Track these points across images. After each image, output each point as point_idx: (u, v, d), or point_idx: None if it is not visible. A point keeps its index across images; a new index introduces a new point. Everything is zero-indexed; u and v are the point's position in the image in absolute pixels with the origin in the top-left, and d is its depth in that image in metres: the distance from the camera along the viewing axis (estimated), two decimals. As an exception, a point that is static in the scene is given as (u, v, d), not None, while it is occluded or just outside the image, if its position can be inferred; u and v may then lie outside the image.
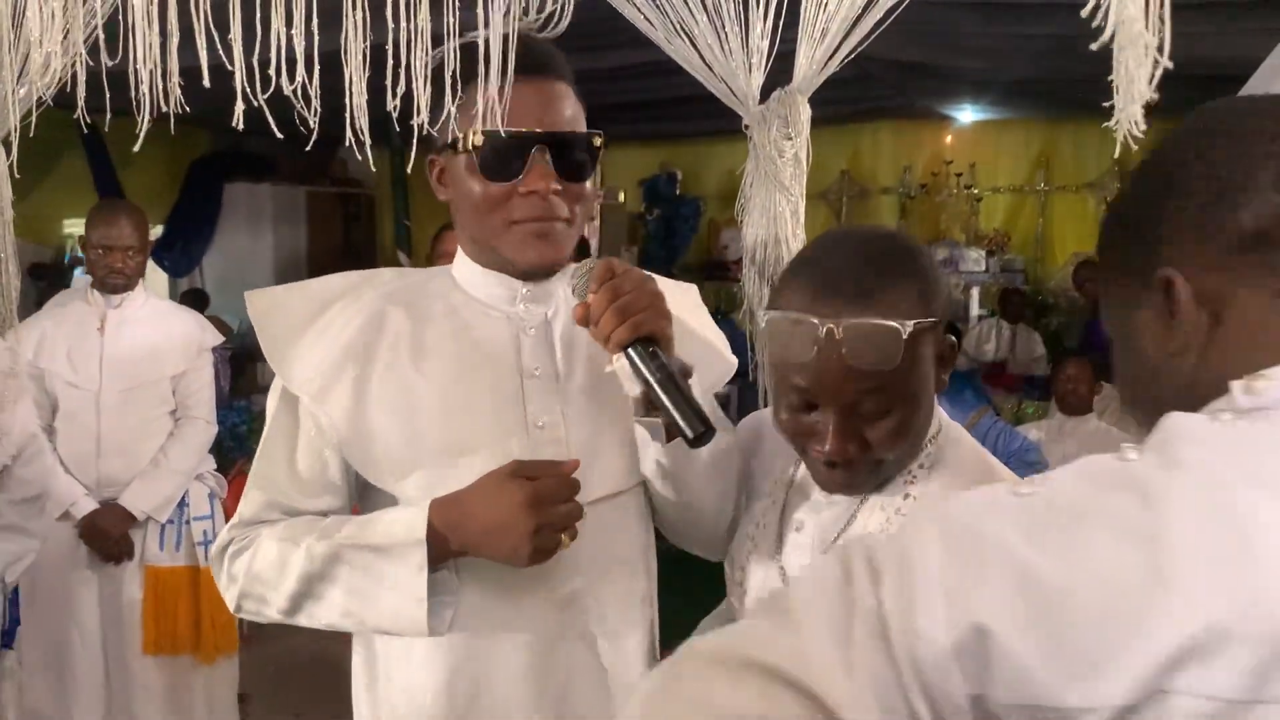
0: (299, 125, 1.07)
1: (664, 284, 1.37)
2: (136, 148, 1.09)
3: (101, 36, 1.18)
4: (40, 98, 1.78)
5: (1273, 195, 0.74)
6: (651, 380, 1.23)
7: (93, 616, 3.32)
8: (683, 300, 1.49)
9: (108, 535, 3.25)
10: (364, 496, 1.42)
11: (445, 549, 1.29)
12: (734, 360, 1.55)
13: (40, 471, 2.81)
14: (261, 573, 1.35)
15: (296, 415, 1.38)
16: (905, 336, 1.12)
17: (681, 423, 1.22)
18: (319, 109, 1.04)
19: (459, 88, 1.23)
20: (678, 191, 8.97)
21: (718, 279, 8.41)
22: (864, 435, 1.20)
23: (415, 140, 1.25)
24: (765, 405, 2.53)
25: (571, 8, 1.47)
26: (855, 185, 8.38)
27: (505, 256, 1.37)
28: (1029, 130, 7.99)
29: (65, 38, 1.54)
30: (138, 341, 3.28)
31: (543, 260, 1.36)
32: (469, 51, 1.23)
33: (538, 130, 1.30)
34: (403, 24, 1.09)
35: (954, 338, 1.25)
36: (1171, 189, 0.79)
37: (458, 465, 1.32)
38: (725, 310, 8.36)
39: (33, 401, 2.88)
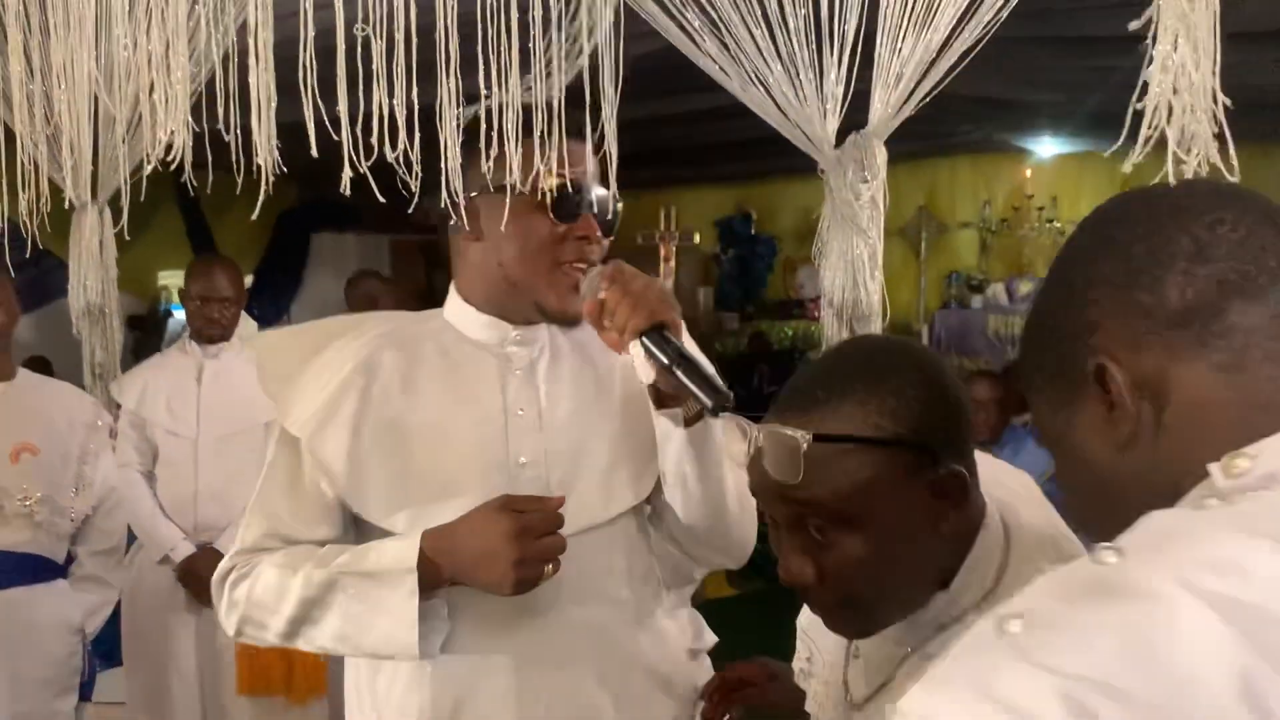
0: (400, 190, 1.13)
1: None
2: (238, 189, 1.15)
3: (220, 100, 1.25)
4: (147, 162, 1.87)
5: (1193, 268, 0.73)
6: (668, 359, 1.29)
7: (190, 658, 3.41)
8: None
9: (204, 578, 3.34)
10: (358, 528, 1.49)
11: (436, 577, 1.36)
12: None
13: (120, 523, 2.92)
14: (262, 598, 1.43)
15: (296, 450, 1.46)
16: (802, 449, 0.99)
17: (699, 392, 1.28)
18: (419, 172, 1.09)
19: (543, 142, 1.29)
20: (753, 231, 9.00)
21: (795, 317, 8.40)
22: (820, 563, 1.05)
23: (507, 189, 1.31)
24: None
25: (631, 59, 1.51)
26: (934, 221, 8.33)
27: (549, 300, 1.44)
28: (1112, 162, 7.87)
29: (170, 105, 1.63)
30: (233, 390, 3.39)
31: (570, 307, 1.44)
32: (529, 109, 1.31)
33: (591, 184, 1.42)
34: (495, 89, 1.14)
35: (960, 469, 1.04)
36: (1091, 280, 0.78)
37: (442, 501, 1.40)
38: (802, 349, 8.35)
39: (115, 455, 2.98)
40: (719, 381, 1.29)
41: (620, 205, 1.47)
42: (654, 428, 1.44)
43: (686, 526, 1.49)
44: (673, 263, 8.40)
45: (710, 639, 2.35)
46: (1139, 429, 0.75)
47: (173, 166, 1.12)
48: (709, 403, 1.28)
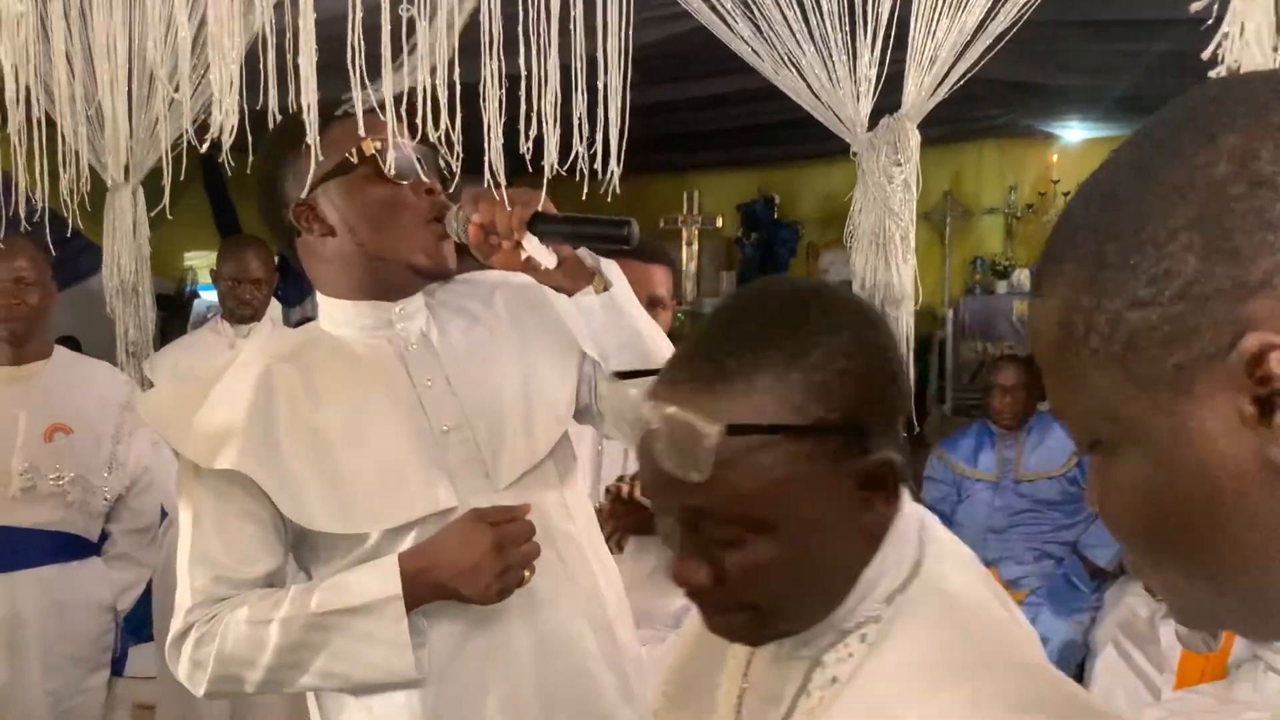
0: (442, 168, 1.14)
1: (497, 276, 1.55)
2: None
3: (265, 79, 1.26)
4: (186, 141, 1.88)
5: None
6: (562, 228, 1.37)
7: (220, 634, 3.45)
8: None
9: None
10: (301, 546, 1.47)
11: (417, 596, 1.39)
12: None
13: (154, 502, 2.95)
14: (234, 654, 1.39)
15: (215, 491, 1.43)
16: (712, 443, 0.82)
17: (609, 230, 1.36)
18: (460, 152, 1.10)
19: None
20: (775, 215, 8.97)
21: (818, 303, 8.34)
22: (720, 565, 0.87)
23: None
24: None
25: (651, 44, 1.51)
26: (959, 206, 8.28)
27: (419, 260, 1.45)
28: (1139, 147, 7.80)
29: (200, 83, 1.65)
30: (263, 369, 3.42)
31: (446, 261, 1.47)
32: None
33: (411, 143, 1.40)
34: (534, 68, 1.15)
35: (895, 457, 0.87)
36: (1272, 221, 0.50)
37: (382, 489, 1.41)
38: (826, 334, 8.31)
39: (149, 434, 3.01)
40: (614, 217, 1.35)
41: (449, 154, 1.41)
42: (559, 347, 1.51)
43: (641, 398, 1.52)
44: (695, 247, 8.39)
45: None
46: None
47: (212, 144, 1.13)
48: (621, 233, 1.34)
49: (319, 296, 1.51)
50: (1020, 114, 7.03)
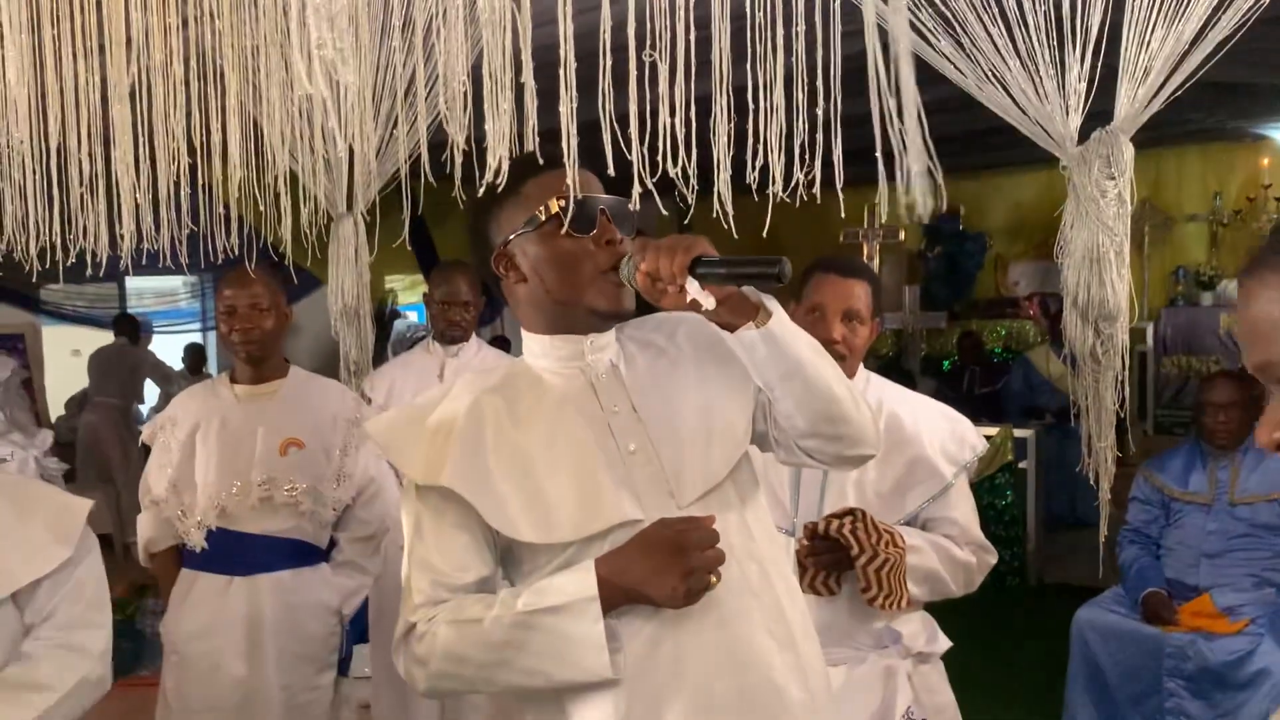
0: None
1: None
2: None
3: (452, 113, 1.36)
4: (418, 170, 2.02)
5: None
6: (720, 269, 1.44)
7: (431, 638, 3.63)
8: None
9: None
10: (507, 557, 1.61)
11: (613, 598, 1.48)
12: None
13: (379, 513, 3.13)
14: (449, 651, 1.53)
15: (432, 506, 1.57)
16: None
17: (763, 269, 1.42)
18: (694, 185, 1.17)
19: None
20: (960, 227, 8.77)
21: (1008, 316, 8.12)
22: None
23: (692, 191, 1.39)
24: (1075, 446, 2.47)
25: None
26: (1159, 214, 7.91)
27: (598, 304, 1.57)
28: (1361, 146, 7.28)
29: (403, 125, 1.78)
30: (471, 386, 3.59)
31: (622, 305, 1.58)
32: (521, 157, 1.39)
33: (594, 196, 1.55)
34: (762, 102, 1.20)
35: None
36: None
37: (578, 500, 1.53)
38: (1016, 349, 8.07)
39: (374, 447, 3.19)
40: (769, 258, 1.41)
41: (630, 204, 1.52)
42: (734, 375, 1.59)
43: (807, 427, 1.59)
44: (876, 261, 8.29)
45: (944, 643, 2.34)
46: None
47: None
48: (773, 271, 1.41)
49: (522, 331, 1.68)
50: (1226, 116, 6.68)
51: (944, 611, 2.31)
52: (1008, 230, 8.54)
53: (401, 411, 1.73)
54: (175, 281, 9.02)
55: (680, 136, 1.11)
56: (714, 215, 1.37)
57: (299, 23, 0.95)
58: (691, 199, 1.18)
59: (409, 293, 9.17)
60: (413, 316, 9.15)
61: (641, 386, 1.63)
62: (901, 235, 8.44)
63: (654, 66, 1.10)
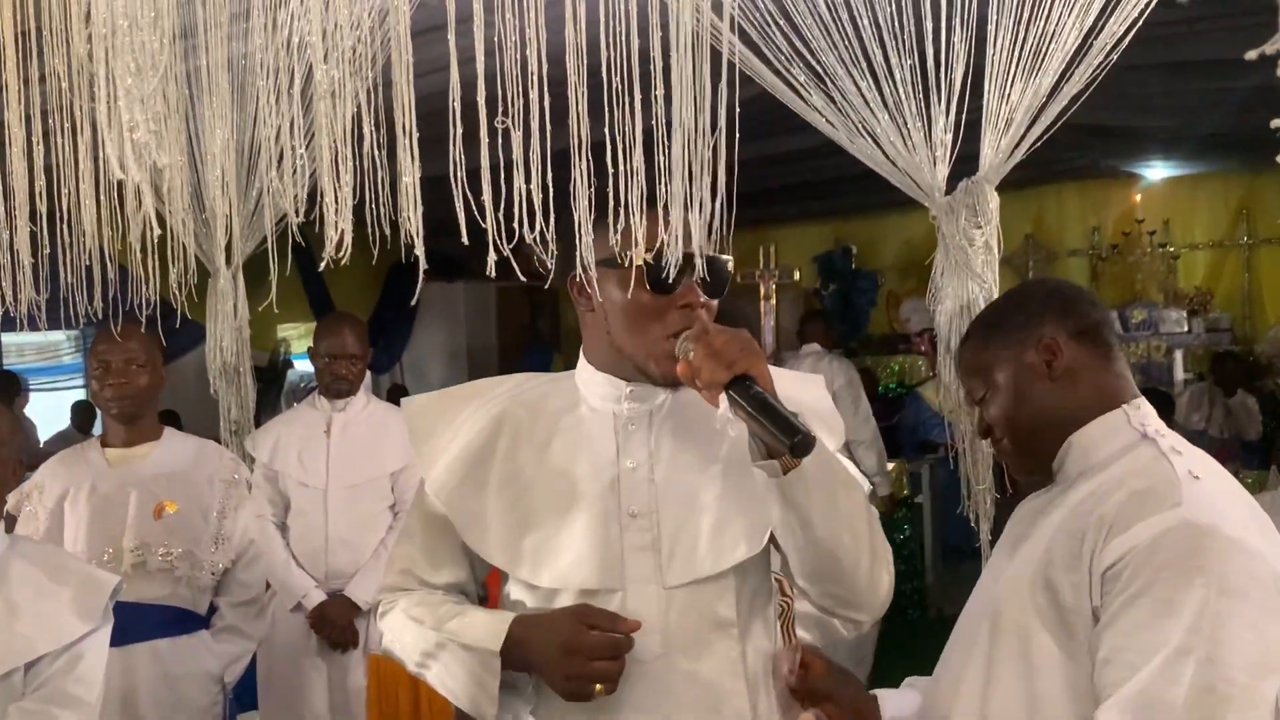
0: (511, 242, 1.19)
1: (786, 376, 1.54)
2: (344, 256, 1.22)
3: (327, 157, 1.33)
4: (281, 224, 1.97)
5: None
6: (747, 406, 1.34)
7: (323, 701, 3.53)
8: (803, 392, 1.59)
9: (335, 624, 3.47)
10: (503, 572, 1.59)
11: (516, 662, 1.48)
12: (841, 434, 1.64)
13: (259, 575, 3.04)
14: (395, 638, 1.62)
15: (429, 502, 1.61)
16: None
17: (778, 433, 1.32)
18: (554, 250, 1.16)
19: (641, 215, 1.33)
20: (853, 265, 8.95)
21: (901, 352, 8.29)
22: None
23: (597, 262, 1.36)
24: (957, 479, 2.51)
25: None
26: (1041, 249, 8.19)
27: (650, 367, 1.50)
28: (1226, 183, 7.65)
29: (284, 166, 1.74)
30: (360, 441, 3.52)
31: (675, 374, 1.46)
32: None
33: (693, 254, 1.41)
34: (621, 165, 1.20)
35: None
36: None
37: (555, 549, 1.51)
38: (909, 384, 8.24)
39: (253, 508, 3.10)
40: (799, 423, 1.33)
41: (730, 264, 1.51)
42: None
43: (804, 574, 1.51)
44: (773, 300, 8.40)
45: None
46: None
47: (307, 219, 1.20)
48: (785, 440, 1.32)
49: (581, 351, 1.62)
50: (1101, 155, 6.96)
51: (847, 645, 2.31)
52: (899, 267, 8.75)
53: (442, 398, 1.68)
54: (57, 335, 8.68)
55: (538, 202, 1.10)
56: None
57: (108, 104, 0.91)
58: (551, 262, 1.16)
59: (302, 341, 8.99)
60: (306, 365, 8.97)
61: (668, 448, 1.55)
62: (796, 275, 8.59)
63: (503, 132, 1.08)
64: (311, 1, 1.17)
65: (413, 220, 1.01)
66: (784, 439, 1.32)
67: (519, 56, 1.15)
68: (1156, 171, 7.60)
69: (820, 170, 6.06)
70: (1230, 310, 7.67)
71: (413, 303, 8.35)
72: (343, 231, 1.01)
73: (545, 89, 1.15)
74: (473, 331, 8.64)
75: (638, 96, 1.23)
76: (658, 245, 1.36)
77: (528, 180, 1.10)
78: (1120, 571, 1.31)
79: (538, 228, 1.10)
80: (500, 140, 1.09)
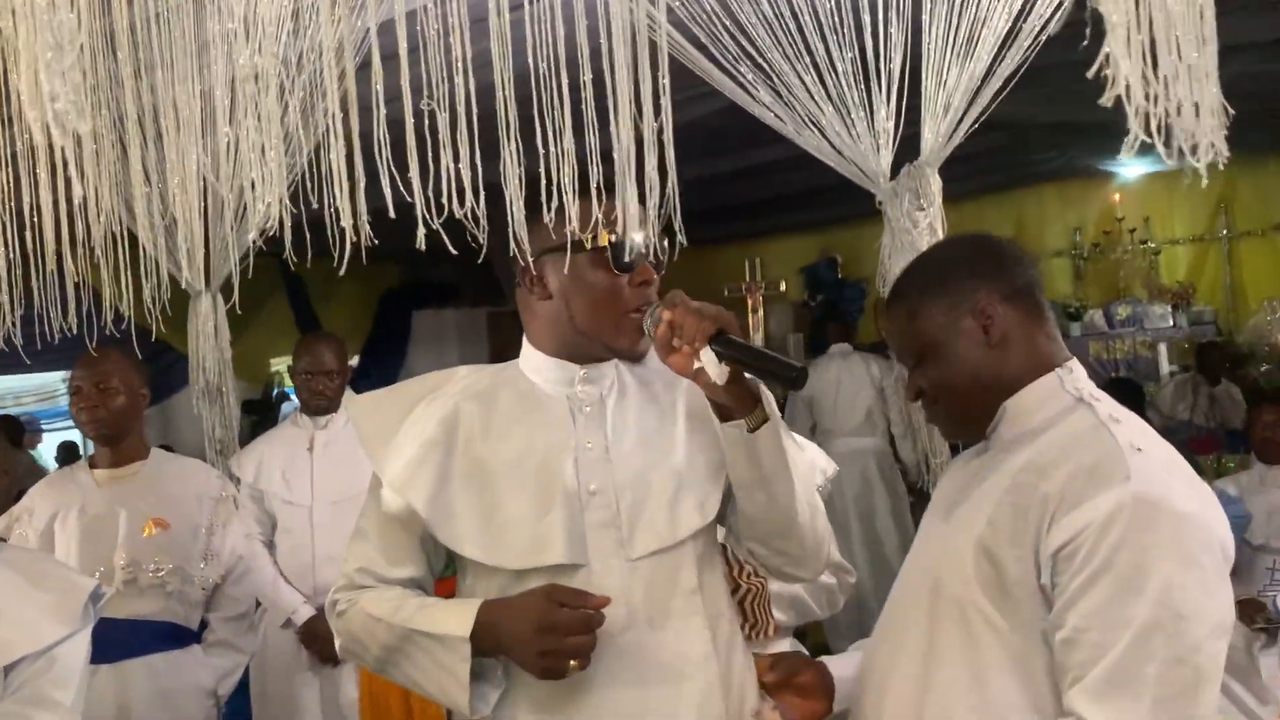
0: (473, 246, 1.25)
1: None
2: (341, 271, 1.28)
3: (307, 184, 1.40)
4: (254, 245, 2.03)
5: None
6: (738, 352, 1.42)
7: (316, 715, 3.56)
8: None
9: (325, 639, 3.50)
10: (459, 558, 1.62)
11: (486, 646, 1.50)
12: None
13: (249, 590, 3.08)
14: (357, 635, 1.61)
15: (385, 498, 1.61)
16: None
17: (775, 369, 1.41)
18: (486, 228, 1.22)
19: (600, 199, 1.41)
20: (839, 275, 9.02)
21: (890, 358, 8.31)
22: None
23: (568, 246, 1.43)
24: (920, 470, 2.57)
25: (702, 118, 1.62)
26: (1023, 251, 8.24)
27: (620, 343, 1.57)
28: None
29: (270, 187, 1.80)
30: (343, 458, 3.57)
31: (641, 348, 1.58)
32: (584, 167, 1.44)
33: (648, 234, 1.54)
34: (551, 148, 1.27)
35: None
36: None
37: (521, 532, 1.54)
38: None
39: (241, 525, 3.15)
40: (790, 359, 1.42)
41: (667, 243, 1.58)
42: (718, 451, 1.56)
43: (760, 534, 1.59)
44: (761, 313, 8.47)
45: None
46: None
47: (271, 232, 1.26)
48: (791, 375, 1.40)
49: (524, 340, 1.67)
50: (1077, 154, 7.02)
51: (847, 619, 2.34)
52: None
53: (384, 397, 1.70)
54: (52, 376, 8.74)
55: (467, 180, 1.17)
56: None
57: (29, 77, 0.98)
58: (484, 239, 1.23)
59: (297, 373, 9.02)
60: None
61: (622, 427, 1.62)
62: (783, 286, 8.67)
63: (434, 116, 1.15)
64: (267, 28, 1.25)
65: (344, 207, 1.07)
66: (783, 372, 1.41)
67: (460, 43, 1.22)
68: (1132, 169, 7.67)
69: (802, 181, 6.12)
70: (1214, 303, 7.72)
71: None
72: (271, 206, 1.07)
73: (470, 73, 1.22)
74: (464, 356, 8.70)
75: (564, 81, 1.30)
76: (611, 231, 1.45)
77: (456, 160, 1.16)
78: (1075, 551, 1.30)
79: (467, 204, 1.16)
80: (427, 121, 1.16)
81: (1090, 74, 0.97)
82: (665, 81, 1.35)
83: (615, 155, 1.30)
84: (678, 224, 1.46)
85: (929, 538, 1.56)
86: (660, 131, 1.38)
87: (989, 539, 1.38)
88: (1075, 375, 1.49)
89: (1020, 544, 1.35)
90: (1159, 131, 0.98)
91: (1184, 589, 1.27)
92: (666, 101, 1.31)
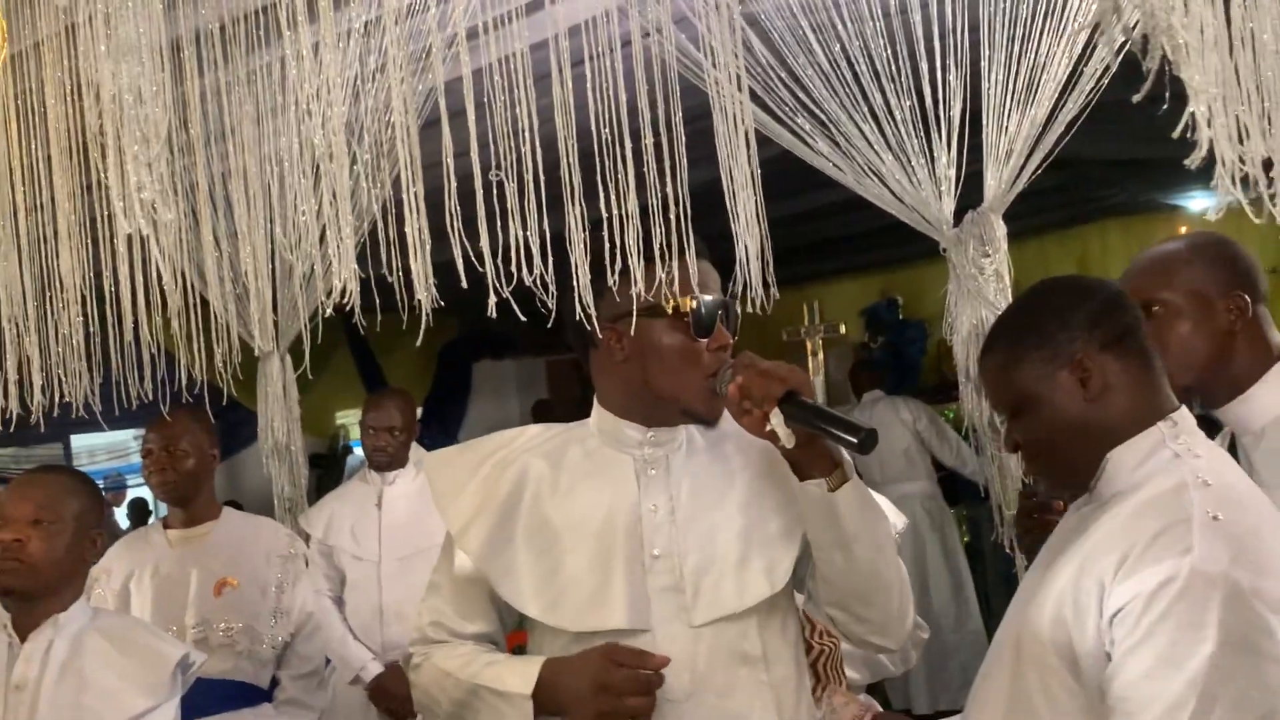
0: (539, 307, 1.26)
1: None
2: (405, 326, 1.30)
3: (378, 247, 1.42)
4: (321, 308, 2.07)
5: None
6: (807, 414, 1.41)
7: (383, 771, 3.56)
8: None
9: (394, 695, 3.51)
10: (528, 621, 1.63)
11: (548, 704, 1.50)
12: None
13: (319, 647, 3.10)
14: (429, 689, 1.64)
15: (458, 556, 1.64)
16: None
17: (843, 432, 1.38)
18: (554, 291, 1.23)
19: (665, 261, 1.42)
20: (900, 316, 8.93)
21: (955, 399, 8.20)
22: None
23: (635, 307, 1.44)
24: (994, 522, 2.52)
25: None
26: (1087, 288, 8.11)
27: (695, 406, 1.57)
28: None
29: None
30: (411, 513, 3.60)
31: (716, 412, 1.58)
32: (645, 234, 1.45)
33: (718, 298, 1.56)
34: (615, 210, 1.28)
35: None
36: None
37: (583, 594, 1.54)
38: (965, 431, 8.15)
39: (311, 582, 3.18)
40: (859, 422, 1.39)
41: (547, 297, 1.51)
42: (792, 514, 1.53)
43: (839, 599, 1.54)
44: (821, 356, 8.40)
45: (885, 723, 2.34)
46: None
47: (347, 307, 1.28)
48: (852, 439, 1.38)
49: (595, 400, 1.68)
50: (1138, 190, 6.92)
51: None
52: (946, 316, 8.70)
53: (458, 455, 1.73)
54: (124, 435, 8.93)
55: (535, 248, 1.18)
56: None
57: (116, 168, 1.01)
58: (552, 302, 1.24)
59: (362, 427, 9.12)
60: (366, 451, 9.08)
61: (688, 491, 1.61)
62: (843, 328, 8.60)
63: (501, 184, 1.17)
64: (335, 94, 1.28)
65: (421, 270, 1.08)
66: (851, 436, 1.38)
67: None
68: (1198, 203, 7.53)
69: (860, 223, 6.10)
70: (1289, 336, 7.52)
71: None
72: (347, 280, 1.09)
73: (538, 145, 1.24)
74: (525, 405, 8.75)
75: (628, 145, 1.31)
76: (691, 297, 1.49)
77: (524, 227, 1.18)
78: (1125, 618, 1.27)
79: (535, 270, 1.17)
80: (496, 191, 1.17)
81: (1175, 134, 0.96)
82: (754, 156, 1.35)
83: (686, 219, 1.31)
84: (767, 284, 1.45)
85: (1029, 590, 1.49)
86: (756, 205, 1.39)
87: (1067, 607, 1.34)
88: (1179, 427, 1.42)
89: (1087, 610, 1.32)
90: (1243, 183, 0.96)
91: (1226, 673, 1.20)
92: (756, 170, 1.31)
